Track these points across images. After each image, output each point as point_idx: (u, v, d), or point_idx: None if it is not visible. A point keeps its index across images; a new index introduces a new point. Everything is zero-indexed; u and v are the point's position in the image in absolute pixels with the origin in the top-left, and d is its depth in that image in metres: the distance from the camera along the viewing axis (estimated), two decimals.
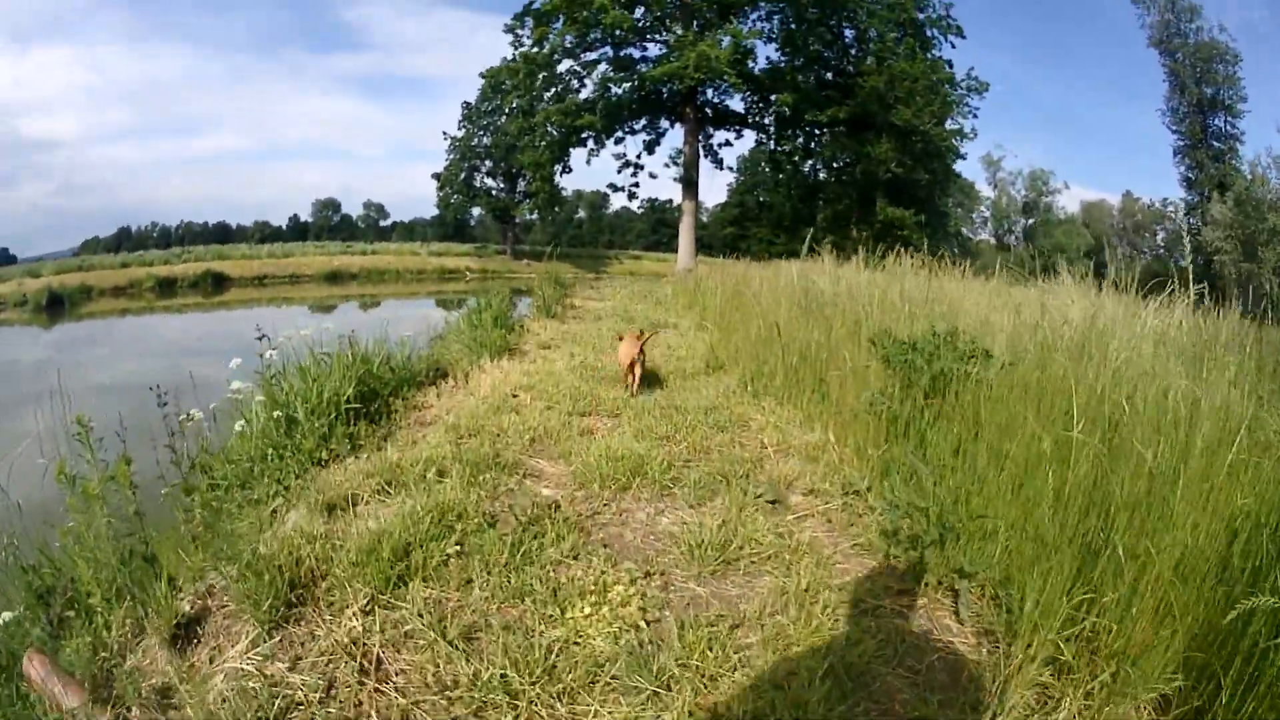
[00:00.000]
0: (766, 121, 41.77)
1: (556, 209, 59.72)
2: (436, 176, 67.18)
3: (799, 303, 9.82)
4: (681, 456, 6.11)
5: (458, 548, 4.33)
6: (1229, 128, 48.95)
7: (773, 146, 44.11)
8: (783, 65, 38.98)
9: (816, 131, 41.86)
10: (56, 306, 37.13)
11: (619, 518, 4.99)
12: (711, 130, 41.14)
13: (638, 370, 8.44)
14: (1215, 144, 49.11)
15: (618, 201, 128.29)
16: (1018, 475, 4.13)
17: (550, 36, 35.21)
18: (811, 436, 6.62)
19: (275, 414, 6.17)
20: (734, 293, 13.56)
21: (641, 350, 8.49)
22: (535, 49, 36.14)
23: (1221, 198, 46.04)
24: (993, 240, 73.05)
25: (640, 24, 36.05)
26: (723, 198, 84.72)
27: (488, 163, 66.07)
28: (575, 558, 4.32)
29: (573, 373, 9.16)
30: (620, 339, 8.91)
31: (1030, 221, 72.96)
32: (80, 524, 4.17)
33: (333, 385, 6.80)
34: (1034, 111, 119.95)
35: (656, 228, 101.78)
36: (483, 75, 38.10)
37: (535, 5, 35.73)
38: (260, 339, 6.80)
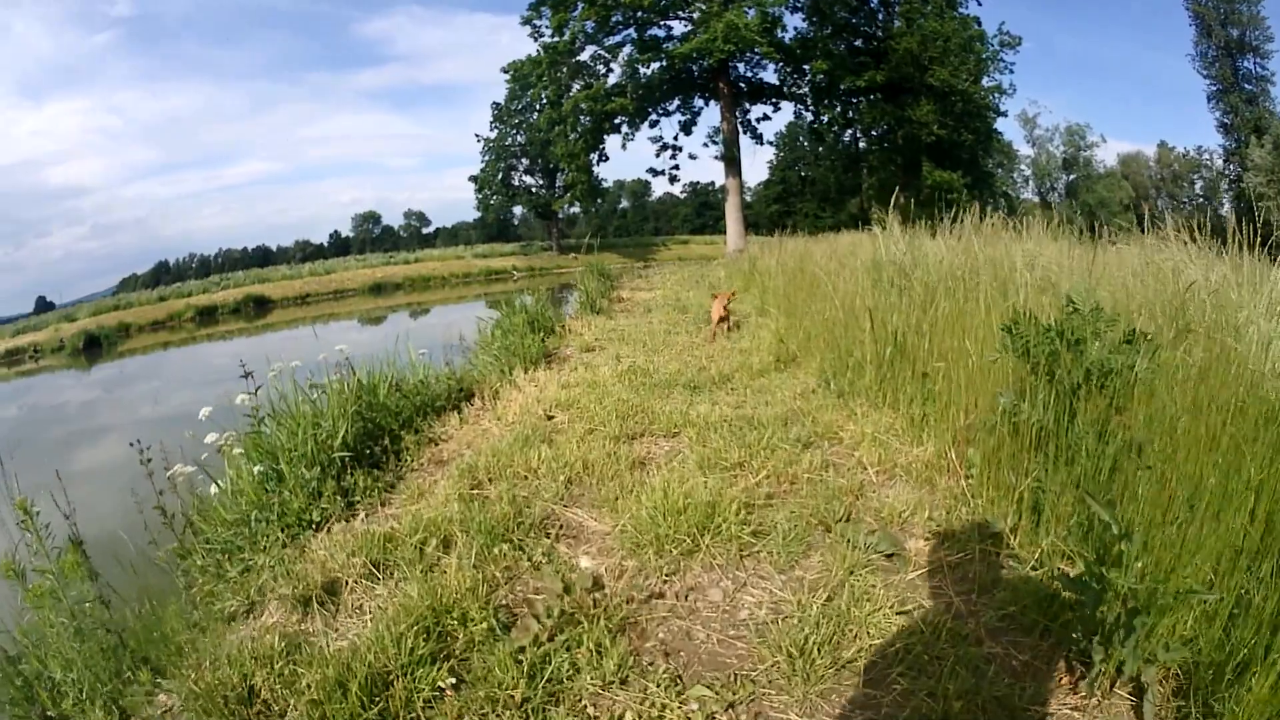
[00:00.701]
0: (803, 92, 40.26)
1: (599, 200, 58.96)
2: (474, 179, 67.13)
3: (876, 279, 8.39)
4: (761, 492, 4.69)
5: (453, 680, 3.01)
6: (1259, 69, 48.47)
7: (811, 117, 42.90)
8: (811, 34, 37.55)
9: (854, 99, 40.54)
10: (94, 348, 37.01)
11: (685, 602, 3.60)
12: (748, 105, 39.67)
13: (728, 324, 10.46)
14: (1247, 87, 48.59)
15: (660, 187, 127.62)
16: (1219, 518, 2.91)
17: (570, 23, 33.79)
18: (921, 451, 5.18)
19: (257, 469, 5.22)
20: (795, 271, 12.09)
21: (727, 307, 10.51)
22: (556, 38, 34.85)
23: (1259, 142, 45.47)
24: (1035, 198, 70.65)
25: (661, 2, 34.59)
26: (764, 175, 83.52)
27: (524, 160, 66.02)
28: (623, 682, 2.99)
29: (620, 381, 7.78)
30: (713, 297, 10.83)
31: (1072, 177, 71.30)
32: (41, 619, 3.77)
33: (327, 426, 5.71)
34: (1059, 65, 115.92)
35: (701, 211, 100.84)
36: (505, 70, 36.90)
37: None
38: (245, 376, 5.67)
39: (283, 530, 4.77)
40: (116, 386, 26.89)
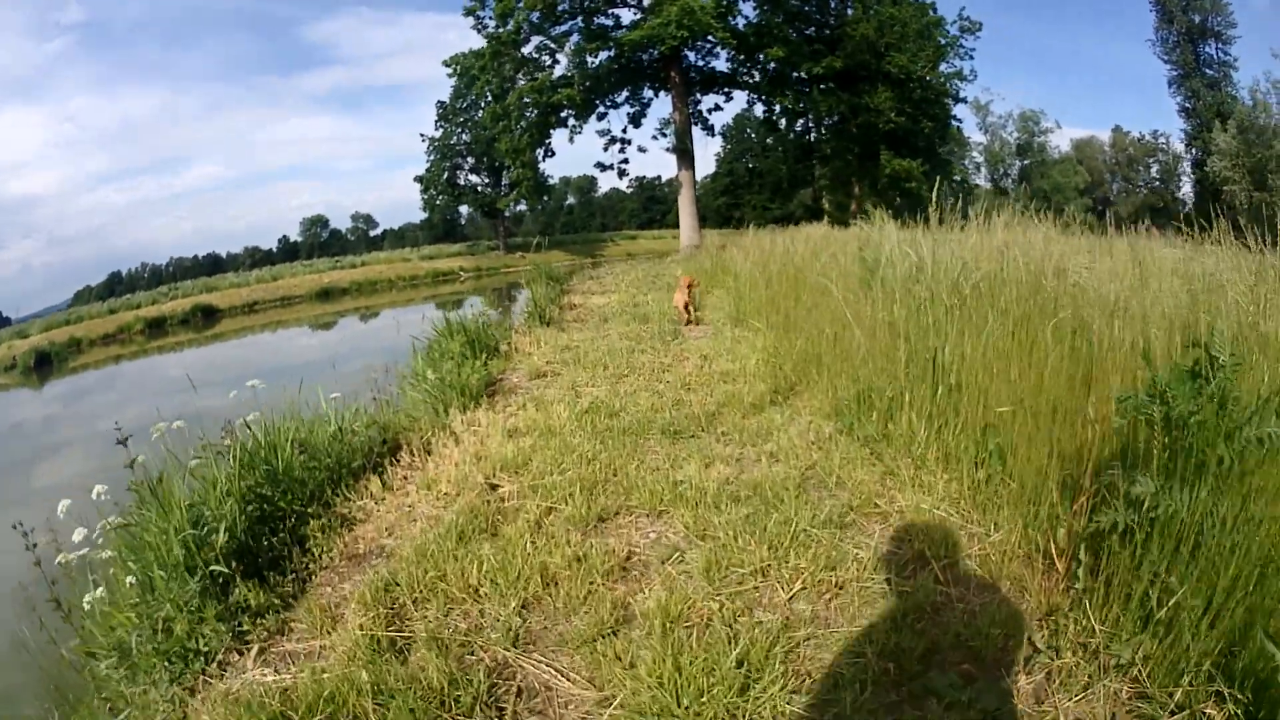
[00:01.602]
0: (756, 80, 38.91)
1: (545, 197, 57.87)
2: (419, 179, 66.29)
3: (868, 280, 7.13)
4: (803, 620, 3.27)
5: None
6: (1221, 55, 49.20)
7: (764, 107, 42.05)
8: (764, 21, 36.08)
9: (809, 88, 39.30)
10: (45, 365, 35.87)
11: None
12: (699, 95, 38.29)
13: (692, 311, 10.68)
14: (1208, 72, 49.33)
15: (606, 183, 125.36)
16: None
17: (515, 12, 32.01)
18: (999, 537, 3.84)
19: (129, 578, 4.00)
20: (776, 273, 10.59)
21: (690, 295, 10.84)
22: (500, 29, 33.10)
23: (1223, 126, 45.67)
24: (988, 184, 70.86)
25: None
26: (711, 169, 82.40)
27: (469, 159, 65.23)
28: None
29: (581, 426, 6.24)
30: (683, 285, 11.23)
31: (1025, 163, 71.26)
32: None
33: (210, 516, 4.41)
34: (1012, 53, 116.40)
35: (648, 205, 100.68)
36: (446, 64, 34.93)
37: None
38: (122, 442, 4.46)
39: (168, 662, 3.64)
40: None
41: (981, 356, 4.86)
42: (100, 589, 3.92)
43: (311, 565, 4.56)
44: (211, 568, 4.08)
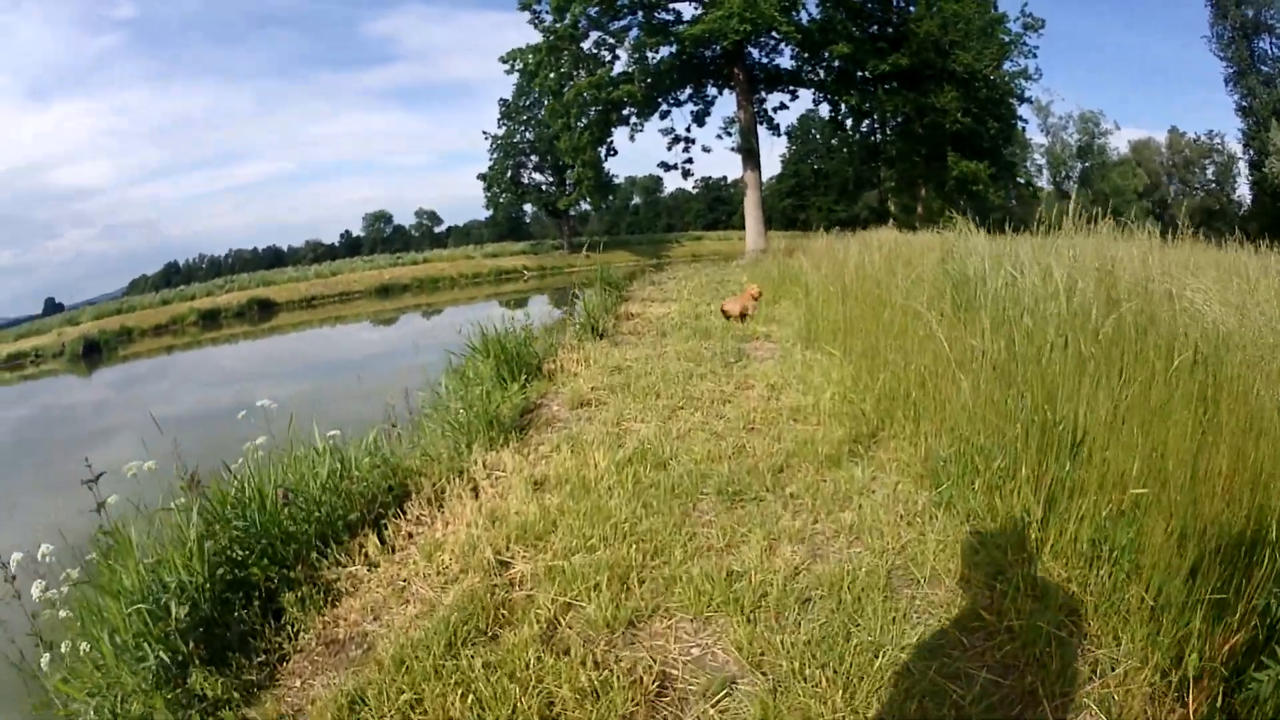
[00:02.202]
0: (821, 78, 37.63)
1: (609, 197, 57.17)
2: (483, 177, 65.95)
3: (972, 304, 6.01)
4: None
5: None
6: (1276, 50, 47.60)
7: (829, 106, 40.61)
8: (829, 18, 34.80)
9: (874, 87, 37.84)
10: (94, 353, 36.85)
11: None
12: (764, 94, 36.97)
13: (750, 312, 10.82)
14: (1264, 68, 47.71)
15: (671, 183, 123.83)
16: None
17: (571, 6, 30.97)
18: (1126, 669, 2.95)
19: (83, 644, 3.48)
20: (841, 282, 9.45)
21: (752, 306, 11.08)
22: (557, 23, 32.19)
23: (1279, 124, 44.44)
24: (1050, 187, 69.04)
25: None
26: (776, 169, 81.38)
27: (533, 158, 64.86)
28: None
29: (622, 479, 5.18)
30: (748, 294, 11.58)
31: (1086, 165, 69.79)
32: None
33: (176, 578, 3.82)
34: (1068, 52, 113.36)
35: (714, 206, 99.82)
36: (503, 59, 33.77)
37: None
38: (91, 483, 3.89)
39: None
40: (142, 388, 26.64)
41: (1112, 418, 3.82)
42: (65, 645, 3.50)
43: (286, 646, 3.87)
44: (164, 649, 3.48)
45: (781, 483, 4.97)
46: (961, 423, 4.82)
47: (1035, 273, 6.49)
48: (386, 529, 4.96)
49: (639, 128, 34.85)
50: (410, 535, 4.94)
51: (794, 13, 31.93)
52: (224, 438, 5.54)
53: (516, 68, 34.00)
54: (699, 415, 6.58)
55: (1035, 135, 67.27)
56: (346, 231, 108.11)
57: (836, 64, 35.76)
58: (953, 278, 7.78)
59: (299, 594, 4.16)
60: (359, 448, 5.72)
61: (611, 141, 36.07)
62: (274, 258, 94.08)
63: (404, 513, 5.18)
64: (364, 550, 4.67)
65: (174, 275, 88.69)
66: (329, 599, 4.24)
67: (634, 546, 4.13)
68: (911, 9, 36.76)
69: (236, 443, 5.02)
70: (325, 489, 5.00)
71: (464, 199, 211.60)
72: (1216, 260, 6.76)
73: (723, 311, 11.69)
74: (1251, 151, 49.51)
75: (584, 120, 33.75)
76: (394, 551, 4.71)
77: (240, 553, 4.28)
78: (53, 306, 76.82)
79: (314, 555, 4.55)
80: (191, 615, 3.65)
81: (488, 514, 4.85)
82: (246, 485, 4.68)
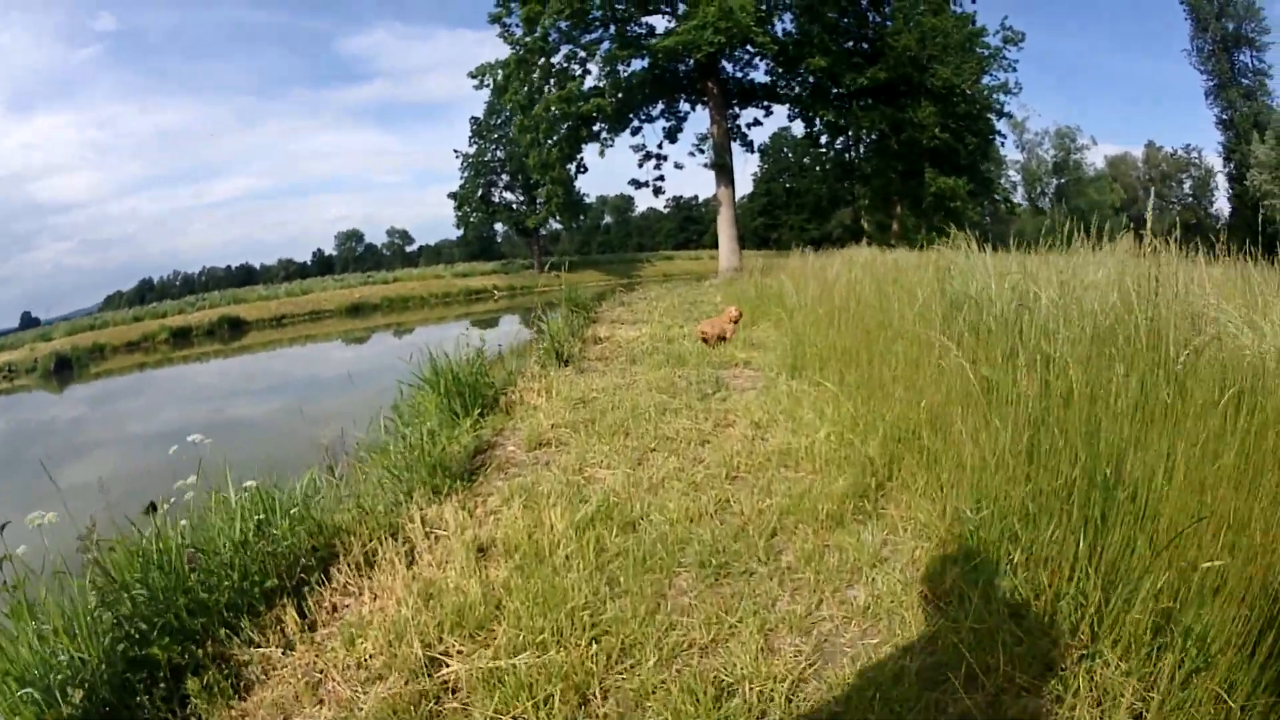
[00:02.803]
0: (797, 93, 36.67)
1: (581, 216, 56.54)
2: (453, 196, 65.60)
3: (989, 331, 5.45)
4: None
5: None
6: (1256, 63, 48.62)
7: (804, 122, 39.42)
8: (804, 32, 33.98)
9: (850, 102, 37.31)
10: (64, 370, 36.48)
11: None
12: (738, 109, 36.04)
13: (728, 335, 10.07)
14: (1244, 81, 48.61)
15: (643, 203, 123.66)
16: None
17: (542, 18, 30.03)
18: None
19: None
20: (830, 303, 8.56)
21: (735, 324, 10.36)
22: (527, 36, 31.26)
23: (1262, 138, 44.93)
24: (1025, 203, 70.02)
25: None
26: (748, 188, 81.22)
27: (504, 176, 64.56)
28: None
29: (583, 545, 4.26)
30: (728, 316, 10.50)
31: (1062, 181, 71.00)
32: None
33: (69, 656, 3.29)
34: (1042, 67, 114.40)
35: (685, 225, 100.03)
36: (472, 75, 32.83)
37: None
38: None
39: None
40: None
41: (1182, 478, 3.10)
42: None
43: None
44: None
45: (775, 550, 4.12)
46: (990, 475, 3.98)
47: (1055, 293, 5.69)
48: (308, 599, 4.16)
49: (609, 143, 33.78)
50: (334, 608, 4.13)
51: (770, 25, 31.20)
52: (157, 472, 5.04)
53: (486, 83, 33.14)
54: (674, 460, 5.68)
55: (1011, 152, 67.92)
56: (319, 250, 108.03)
57: (812, 79, 35.14)
58: (952, 299, 6.94)
59: (205, 679, 3.43)
60: (285, 498, 4.87)
61: (581, 158, 35.11)
62: (246, 275, 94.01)
63: (329, 579, 4.35)
64: (281, 625, 3.89)
65: (148, 292, 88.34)
66: (239, 687, 3.49)
67: (595, 643, 3.26)
68: (889, 24, 36.30)
69: (171, 477, 4.52)
70: (240, 550, 4.27)
71: (437, 218, 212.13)
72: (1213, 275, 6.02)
73: (699, 335, 10.85)
74: (1232, 165, 49.80)
75: (553, 136, 32.84)
76: (314, 629, 3.90)
77: (142, 625, 3.61)
78: (29, 320, 76.58)
79: (224, 631, 3.81)
80: (88, 701, 3.16)
81: (421, 589, 3.99)
82: (153, 543, 3.95)
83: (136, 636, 3.56)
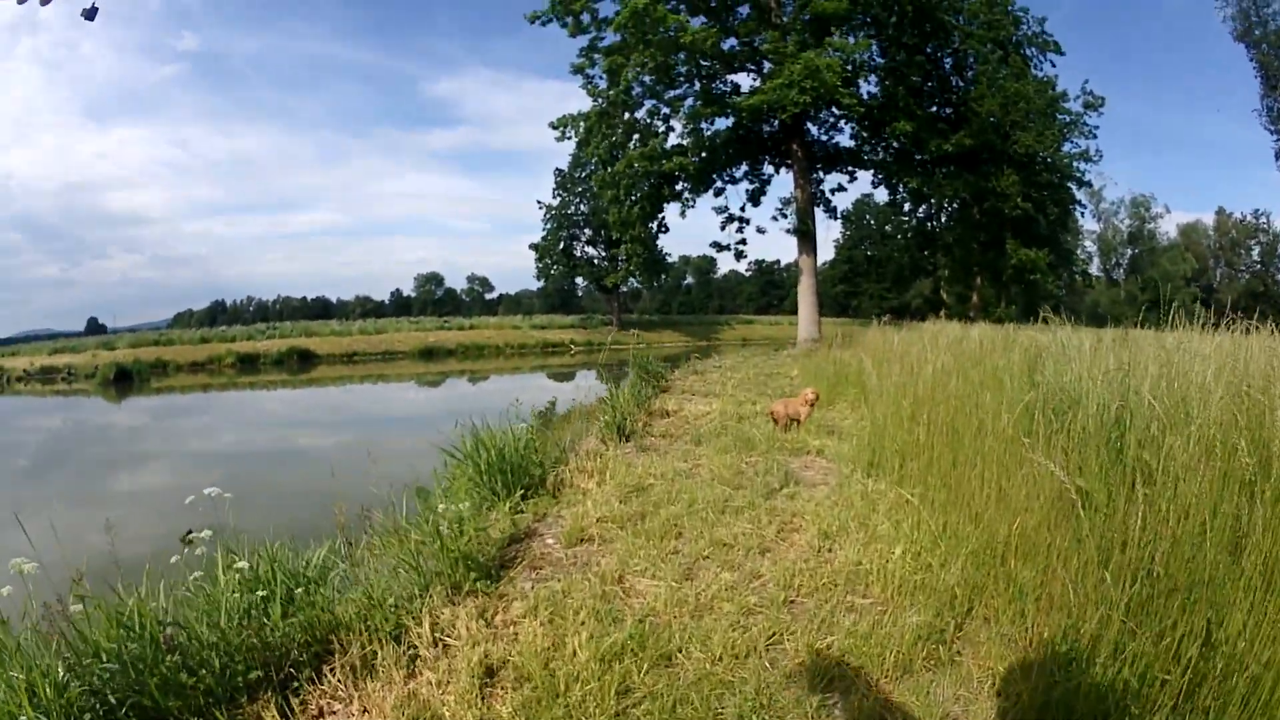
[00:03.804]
0: (881, 158, 36.10)
1: (664, 275, 56.21)
2: (534, 247, 66.12)
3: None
4: None
5: None
6: None
7: (887, 189, 38.75)
8: (888, 96, 33.47)
9: (933, 170, 36.41)
10: (124, 380, 38.08)
11: None
12: (822, 174, 35.49)
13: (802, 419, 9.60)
14: None
15: (725, 265, 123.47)
16: None
17: (625, 70, 29.91)
18: None
19: None
20: (914, 392, 7.66)
21: (811, 407, 9.76)
22: (610, 88, 31.17)
23: None
24: (1100, 275, 70.34)
25: (727, 49, 30.91)
26: (829, 254, 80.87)
27: (587, 230, 64.87)
28: None
29: (605, 683, 3.63)
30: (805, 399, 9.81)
31: (1136, 251, 71.12)
32: None
33: None
34: (1106, 131, 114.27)
35: (766, 289, 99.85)
36: (554, 125, 32.65)
37: (603, 41, 30.86)
38: None
39: None
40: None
41: None
42: None
43: None
44: None
45: (828, 705, 3.45)
46: (1083, 610, 3.29)
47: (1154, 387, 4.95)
48: (295, 697, 3.72)
49: (691, 204, 33.41)
50: (320, 713, 3.68)
51: (854, 86, 30.67)
52: (175, 515, 4.72)
53: (569, 135, 32.99)
54: (728, 574, 4.99)
55: (1087, 222, 67.46)
56: (397, 290, 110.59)
57: (896, 144, 34.43)
58: (1045, 392, 6.15)
59: None
60: (286, 577, 4.51)
61: (663, 217, 34.79)
62: (321, 309, 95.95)
63: (320, 679, 3.84)
64: None
65: (220, 313, 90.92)
66: None
67: None
68: (971, 89, 35.54)
69: (187, 522, 4.32)
70: (226, 633, 3.85)
71: (517, 268, 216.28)
72: None
73: (770, 415, 10.19)
74: None
75: (635, 193, 32.52)
76: None
77: (112, 700, 3.37)
78: (94, 326, 78.86)
79: None
80: None
81: (413, 714, 3.50)
82: (135, 614, 3.64)
83: (102, 712, 3.32)
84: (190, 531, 4.15)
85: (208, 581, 4.20)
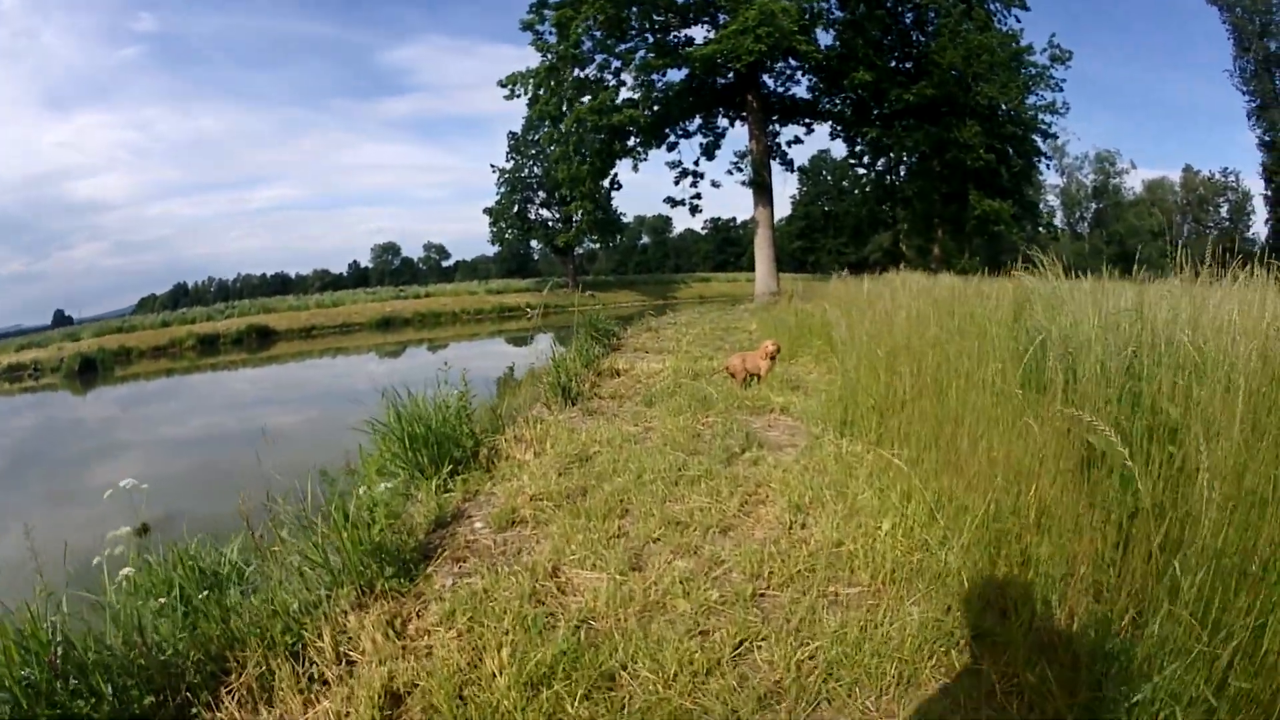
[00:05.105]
0: (839, 110, 35.85)
1: (616, 235, 55.27)
2: (489, 211, 65.45)
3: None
4: None
5: None
6: None
7: (845, 141, 38.83)
8: (847, 47, 32.92)
9: (893, 122, 35.69)
10: (90, 371, 37.00)
11: None
12: (778, 126, 34.99)
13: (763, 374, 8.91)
14: None
15: (680, 223, 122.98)
16: None
17: (575, 23, 28.96)
18: None
19: None
20: (891, 342, 6.79)
21: (771, 361, 9.03)
22: (560, 43, 30.21)
23: None
24: (1064, 228, 70.45)
25: (682, 2, 30.08)
26: (786, 210, 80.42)
27: (541, 193, 64.19)
28: None
29: (527, 714, 2.89)
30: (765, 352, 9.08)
31: (1100, 205, 71.55)
32: None
33: None
34: (1075, 88, 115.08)
35: (722, 247, 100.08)
36: (502, 84, 31.53)
37: None
38: None
39: None
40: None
41: None
42: None
43: None
44: None
45: None
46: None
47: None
48: None
49: (643, 157, 32.85)
50: None
51: (812, 35, 30.09)
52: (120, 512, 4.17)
53: (517, 93, 31.98)
54: (682, 561, 4.17)
55: (1049, 176, 67.50)
56: (355, 262, 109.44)
57: (855, 95, 34.12)
58: (1040, 339, 5.35)
59: None
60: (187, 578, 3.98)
61: (615, 174, 34.07)
62: (282, 284, 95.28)
63: (218, 705, 3.27)
64: None
65: (182, 296, 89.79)
66: None
67: None
68: (932, 43, 34.76)
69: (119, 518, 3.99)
70: (115, 652, 3.32)
71: (475, 234, 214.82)
72: None
73: (727, 370, 9.40)
74: (1273, 187, 49.48)
75: (585, 150, 31.57)
76: None
77: None
78: (61, 318, 77.69)
79: None
80: None
81: None
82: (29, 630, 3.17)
83: None
84: (145, 525, 3.96)
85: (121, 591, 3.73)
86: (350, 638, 3.62)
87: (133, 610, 3.57)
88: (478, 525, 5.06)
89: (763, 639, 3.34)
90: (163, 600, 3.76)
